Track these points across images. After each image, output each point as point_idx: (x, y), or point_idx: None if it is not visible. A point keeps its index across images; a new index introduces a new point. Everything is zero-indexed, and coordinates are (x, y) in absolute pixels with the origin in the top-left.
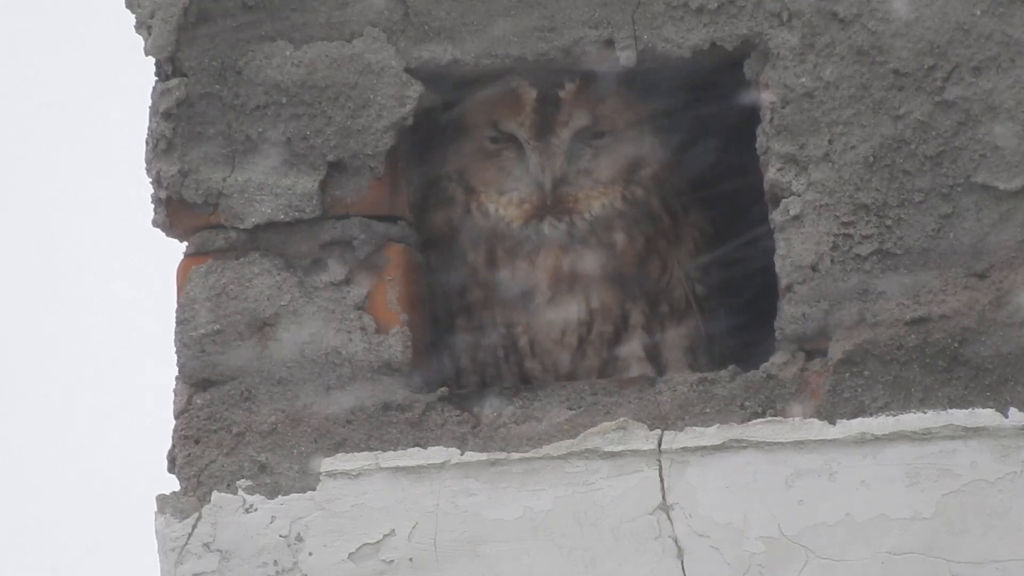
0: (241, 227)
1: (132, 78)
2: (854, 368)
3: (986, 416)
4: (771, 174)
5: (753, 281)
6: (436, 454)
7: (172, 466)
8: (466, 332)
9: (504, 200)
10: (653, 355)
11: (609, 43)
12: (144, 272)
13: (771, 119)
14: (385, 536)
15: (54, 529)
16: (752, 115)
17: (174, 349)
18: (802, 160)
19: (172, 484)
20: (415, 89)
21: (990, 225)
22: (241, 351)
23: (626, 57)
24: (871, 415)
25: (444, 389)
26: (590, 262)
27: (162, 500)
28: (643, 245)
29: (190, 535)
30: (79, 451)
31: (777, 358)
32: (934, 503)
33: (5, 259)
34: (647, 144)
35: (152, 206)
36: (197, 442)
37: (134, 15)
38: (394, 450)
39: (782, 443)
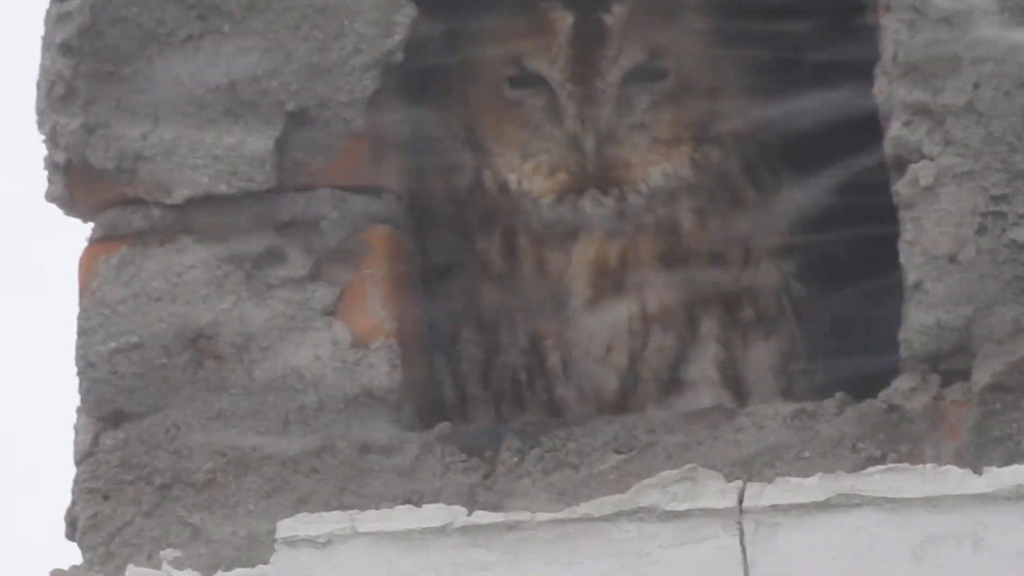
0: (168, 202)
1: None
2: (1008, 396)
3: None
4: (895, 130)
5: (871, 277)
6: (435, 514)
7: (72, 531)
8: (475, 347)
9: (529, 167)
10: (732, 378)
11: None
12: (33, 263)
13: (895, 54)
14: None
15: None
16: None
17: (75, 369)
18: (937, 111)
19: (73, 555)
20: (406, 13)
21: None
22: (167, 372)
23: None
24: None
25: (445, 425)
26: (646, 251)
27: None
28: (719, 228)
29: None
30: None
31: (902, 383)
32: None
33: None
34: (726, 88)
35: (46, 173)
36: (106, 497)
37: None
38: (376, 508)
39: (909, 499)
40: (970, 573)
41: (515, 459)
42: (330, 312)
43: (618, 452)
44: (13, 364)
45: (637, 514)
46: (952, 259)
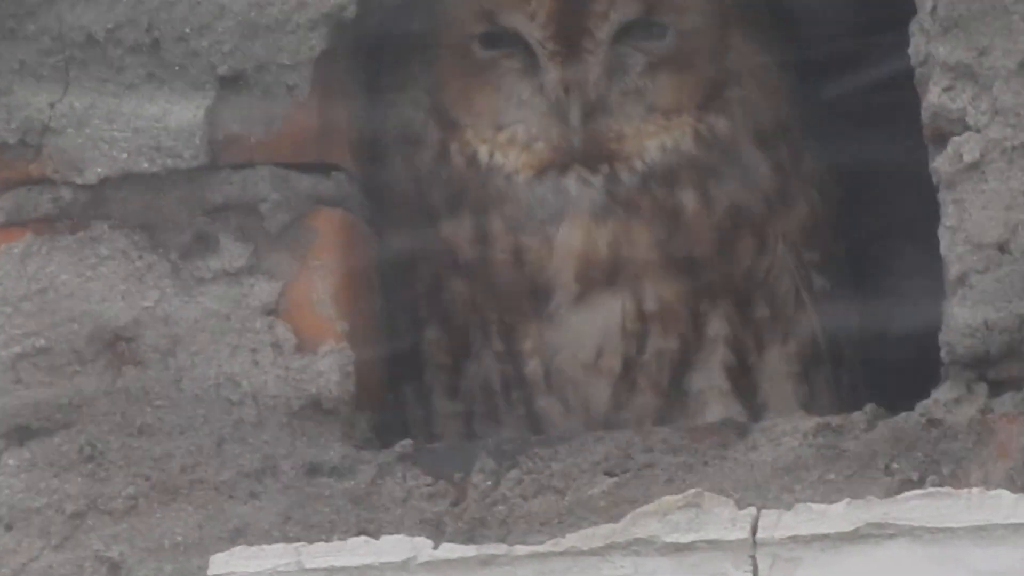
0: (80, 182)
1: None
2: None
3: None
4: (933, 97)
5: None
6: (395, 547)
7: None
8: (442, 351)
9: (503, 139)
10: (744, 388)
11: None
12: None
13: (933, 8)
14: None
15: None
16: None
17: None
18: (983, 74)
19: None
20: None
21: None
22: (80, 381)
23: None
24: None
25: (407, 442)
26: (642, 238)
27: None
28: (727, 211)
29: None
30: None
31: (943, 393)
32: None
33: None
34: (735, 48)
35: None
36: (9, 528)
37: None
38: (326, 541)
39: (952, 529)
40: None
41: (489, 483)
42: (271, 311)
43: (610, 475)
44: None
45: (632, 547)
46: (1002, 248)
